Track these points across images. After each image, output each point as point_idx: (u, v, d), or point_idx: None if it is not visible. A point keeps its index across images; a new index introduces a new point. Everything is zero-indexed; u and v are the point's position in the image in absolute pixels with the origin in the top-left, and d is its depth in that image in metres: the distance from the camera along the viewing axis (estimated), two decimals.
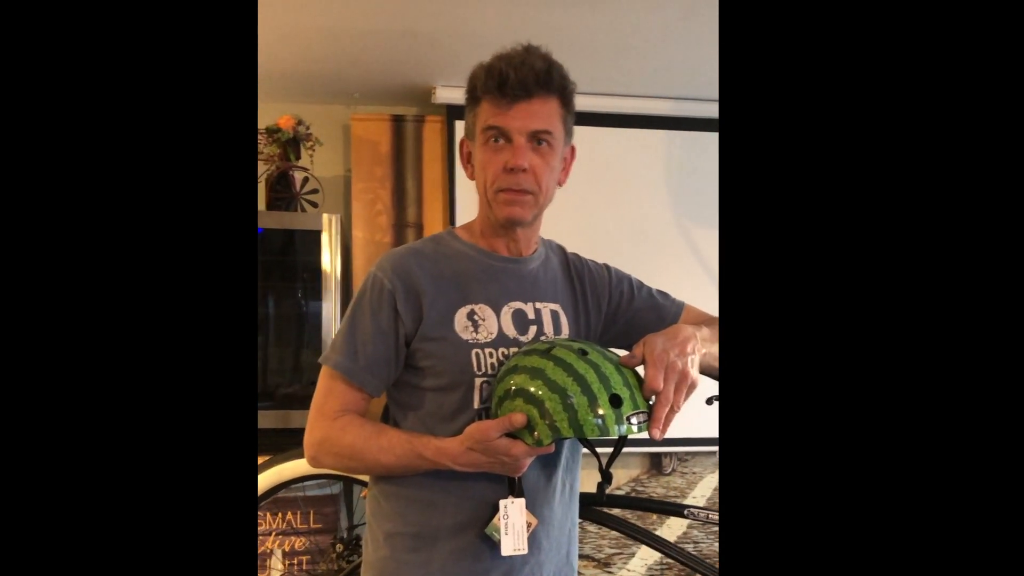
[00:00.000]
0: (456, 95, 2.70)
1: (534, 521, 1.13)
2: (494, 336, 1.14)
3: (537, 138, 1.12)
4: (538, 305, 1.19)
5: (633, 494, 2.93)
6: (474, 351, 1.12)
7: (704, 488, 2.98)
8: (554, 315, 1.20)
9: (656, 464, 2.98)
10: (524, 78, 1.09)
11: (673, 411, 1.01)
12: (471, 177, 1.20)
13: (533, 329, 1.17)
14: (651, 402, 1.03)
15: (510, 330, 1.15)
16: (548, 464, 1.17)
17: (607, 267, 1.32)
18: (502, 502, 1.10)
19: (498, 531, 1.09)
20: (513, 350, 1.14)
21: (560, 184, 1.21)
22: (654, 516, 2.87)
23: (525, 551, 1.10)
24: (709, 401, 1.22)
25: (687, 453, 2.97)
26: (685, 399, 1.03)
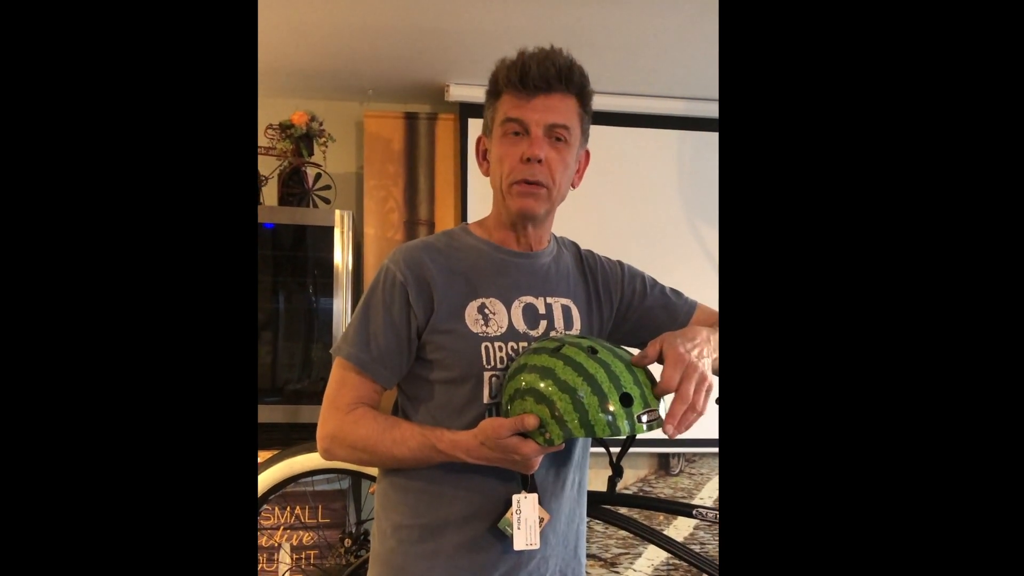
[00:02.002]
0: (469, 93, 2.71)
1: (546, 516, 1.14)
2: (504, 330, 1.14)
3: (554, 133, 1.13)
4: (549, 299, 1.20)
5: (641, 494, 2.93)
6: (484, 344, 1.13)
7: (711, 489, 2.97)
8: (565, 310, 1.21)
9: (664, 464, 2.98)
10: (545, 71, 1.11)
11: (693, 410, 1.00)
12: (486, 173, 1.21)
13: (543, 323, 1.17)
14: (664, 400, 1.03)
15: (520, 324, 1.16)
16: (558, 460, 1.17)
17: (620, 264, 1.32)
18: (515, 497, 1.11)
19: (511, 525, 1.10)
20: (523, 344, 1.14)
21: (574, 186, 1.23)
22: (661, 516, 2.87)
23: (537, 546, 1.11)
24: (719, 401, 1.22)
25: (695, 454, 2.97)
26: (706, 400, 1.02)
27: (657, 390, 1.03)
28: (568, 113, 1.14)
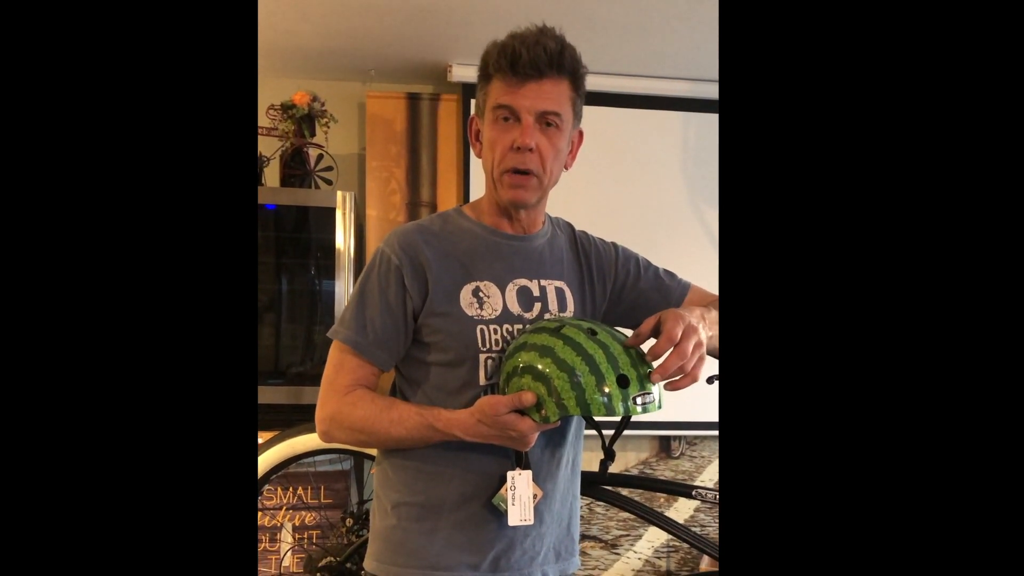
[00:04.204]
0: (472, 73, 2.64)
1: (540, 493, 1.15)
2: (499, 313, 1.15)
3: (546, 119, 1.12)
4: (543, 282, 1.20)
5: (642, 476, 2.94)
6: (479, 327, 1.13)
7: (712, 472, 2.98)
8: (559, 292, 1.21)
9: (665, 447, 2.98)
10: (536, 58, 1.09)
11: (684, 371, 1.01)
12: (478, 155, 1.21)
13: (538, 306, 1.18)
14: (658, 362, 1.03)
15: (515, 307, 1.16)
16: (553, 439, 1.18)
17: (615, 245, 1.32)
18: (509, 473, 1.12)
19: (505, 502, 1.11)
20: (518, 327, 1.15)
21: (566, 168, 1.22)
22: (662, 499, 2.88)
23: (531, 522, 1.12)
24: (710, 380, 1.21)
25: (696, 437, 2.97)
26: (699, 365, 1.02)
27: (657, 345, 1.02)
28: (560, 99, 1.13)
